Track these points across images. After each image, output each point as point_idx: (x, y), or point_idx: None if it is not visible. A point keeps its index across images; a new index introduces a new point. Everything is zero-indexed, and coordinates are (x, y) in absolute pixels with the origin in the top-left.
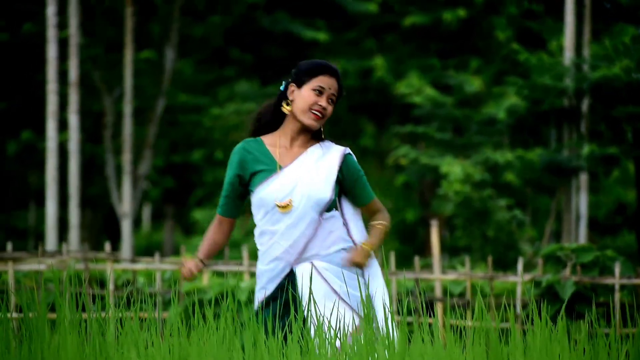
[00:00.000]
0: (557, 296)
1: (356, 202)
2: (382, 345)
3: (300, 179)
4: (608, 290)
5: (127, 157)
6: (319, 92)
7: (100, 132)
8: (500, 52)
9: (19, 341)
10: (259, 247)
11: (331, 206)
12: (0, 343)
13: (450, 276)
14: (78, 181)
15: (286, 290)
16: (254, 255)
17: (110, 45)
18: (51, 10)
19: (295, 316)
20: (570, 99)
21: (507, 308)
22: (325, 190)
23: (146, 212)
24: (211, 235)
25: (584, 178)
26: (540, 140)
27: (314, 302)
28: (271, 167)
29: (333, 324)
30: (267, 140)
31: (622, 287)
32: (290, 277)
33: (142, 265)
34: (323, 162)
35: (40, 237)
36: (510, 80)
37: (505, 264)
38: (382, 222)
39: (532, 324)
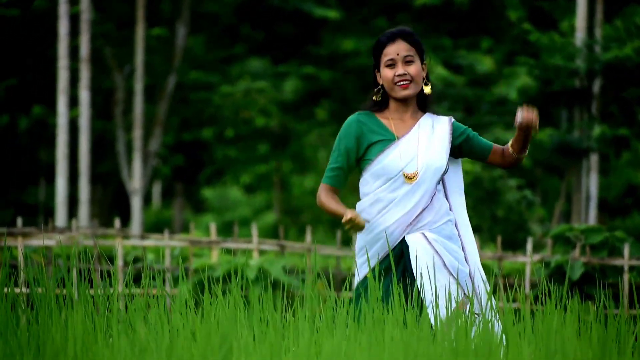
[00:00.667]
0: (566, 277)
1: (484, 154)
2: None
3: (419, 148)
4: (617, 271)
5: (137, 134)
6: (391, 64)
7: (111, 109)
8: (512, 32)
9: (27, 316)
10: (366, 216)
11: (441, 180)
12: (9, 318)
13: None
14: (88, 157)
15: (400, 259)
16: (263, 233)
17: (121, 22)
18: None
19: (409, 286)
20: (581, 80)
21: (517, 289)
22: (443, 158)
23: (156, 189)
24: (332, 197)
25: (594, 159)
26: (551, 121)
27: (427, 273)
28: (389, 137)
29: (442, 295)
30: (379, 115)
31: (631, 268)
32: (402, 246)
33: (151, 241)
34: (435, 132)
35: (50, 213)
36: (521, 60)
37: (514, 245)
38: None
39: (542, 304)
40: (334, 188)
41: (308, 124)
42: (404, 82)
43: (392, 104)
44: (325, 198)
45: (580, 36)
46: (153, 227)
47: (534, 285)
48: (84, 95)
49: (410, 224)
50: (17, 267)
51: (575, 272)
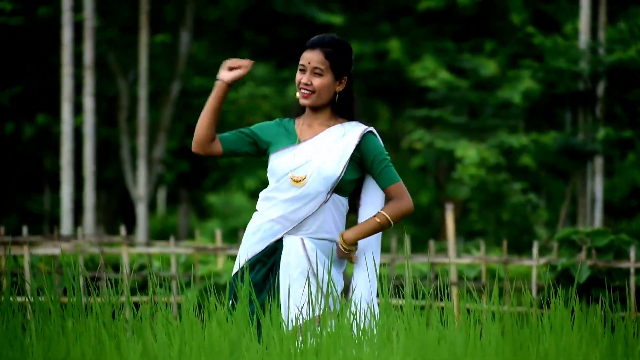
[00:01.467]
0: (572, 280)
1: (378, 184)
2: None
3: (314, 154)
4: (623, 274)
5: (142, 141)
6: (302, 70)
7: (116, 115)
8: (515, 35)
9: (33, 325)
10: (258, 208)
11: (345, 192)
12: (15, 326)
13: (465, 260)
14: (93, 164)
15: (270, 256)
16: None
17: (125, 28)
18: None
19: (271, 288)
20: (585, 83)
21: (523, 292)
22: (336, 167)
23: (161, 195)
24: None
25: (599, 162)
26: (556, 124)
27: (290, 277)
28: (291, 140)
29: (300, 304)
30: (297, 121)
31: (638, 271)
32: (278, 244)
33: (157, 249)
34: (341, 141)
35: (55, 221)
36: (525, 63)
37: (520, 248)
38: (383, 212)
39: (548, 307)
40: (219, 140)
41: None
42: (306, 92)
43: (307, 109)
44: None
45: (583, 39)
46: (158, 233)
47: (540, 289)
48: (88, 102)
49: (293, 227)
50: (22, 276)
51: (581, 275)
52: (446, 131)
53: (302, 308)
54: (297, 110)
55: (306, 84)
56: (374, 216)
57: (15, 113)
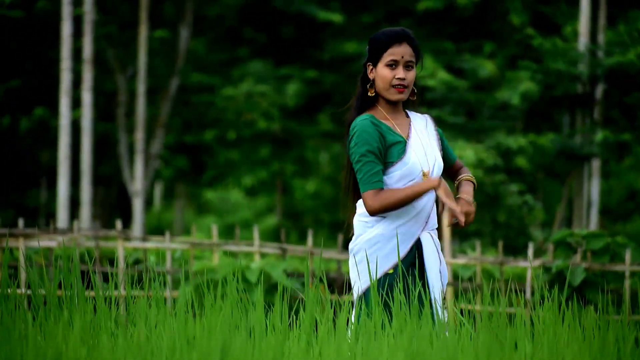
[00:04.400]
0: (567, 282)
1: (449, 158)
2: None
3: (425, 147)
4: (618, 277)
5: (139, 136)
6: (394, 65)
7: (113, 111)
8: (515, 36)
9: (29, 317)
10: (381, 215)
11: None
12: (10, 318)
13: (461, 260)
14: (90, 159)
15: (417, 255)
16: (264, 236)
17: (124, 24)
18: None
19: (426, 285)
20: (584, 85)
21: (517, 293)
22: (440, 156)
23: (158, 191)
24: (391, 190)
25: (596, 164)
26: (553, 126)
27: (438, 273)
28: (401, 138)
29: (440, 296)
30: (377, 115)
31: (633, 274)
32: (418, 244)
33: (152, 244)
34: (426, 130)
35: (51, 215)
36: (524, 64)
37: (515, 250)
38: (467, 174)
39: (542, 309)
40: (381, 190)
41: (310, 127)
42: (401, 87)
43: (383, 104)
44: (386, 194)
45: (583, 41)
46: (154, 229)
47: (534, 291)
48: (87, 97)
49: (425, 222)
50: (17, 268)
51: (576, 278)
52: (444, 131)
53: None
54: (358, 105)
55: (402, 79)
56: (466, 177)
57: (13, 106)
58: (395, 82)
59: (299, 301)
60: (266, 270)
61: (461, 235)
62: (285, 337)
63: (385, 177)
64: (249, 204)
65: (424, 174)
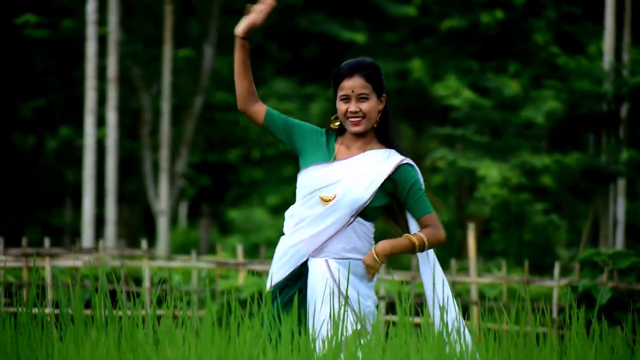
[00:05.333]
0: (593, 301)
1: (412, 214)
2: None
3: (346, 176)
4: None
5: (164, 154)
6: (346, 99)
7: (138, 129)
8: (539, 55)
9: (55, 337)
10: (284, 229)
11: (371, 217)
12: (36, 338)
13: (487, 279)
14: (115, 178)
15: (297, 281)
16: None
17: (149, 42)
18: (91, 7)
19: (299, 309)
20: (609, 104)
21: (544, 313)
22: (364, 192)
23: (182, 209)
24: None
25: (621, 183)
26: (579, 145)
27: (320, 300)
28: (326, 157)
29: (329, 324)
30: (339, 138)
31: None
32: (303, 268)
33: (178, 263)
34: (376, 167)
35: (76, 234)
36: (548, 83)
37: (541, 269)
38: (421, 234)
39: (569, 329)
40: (261, 104)
41: None
42: (356, 119)
43: (347, 132)
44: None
45: (607, 60)
46: (179, 247)
47: (561, 310)
48: (111, 116)
49: (318, 248)
50: (44, 288)
51: (603, 297)
52: (469, 150)
53: (329, 328)
54: (337, 129)
55: (355, 112)
56: (411, 235)
57: (38, 126)
58: (348, 115)
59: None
60: None
61: (487, 254)
62: (311, 355)
63: (297, 181)
64: (273, 223)
65: (322, 198)
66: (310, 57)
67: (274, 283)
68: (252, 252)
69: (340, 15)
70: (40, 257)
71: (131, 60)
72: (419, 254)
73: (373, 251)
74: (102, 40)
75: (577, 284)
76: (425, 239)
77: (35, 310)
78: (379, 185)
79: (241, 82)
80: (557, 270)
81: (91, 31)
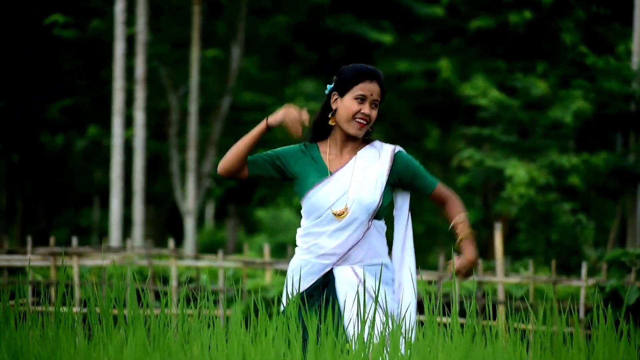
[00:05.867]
0: (621, 301)
1: (423, 193)
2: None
3: (350, 184)
4: None
5: (191, 155)
6: (361, 99)
7: (166, 130)
8: (567, 55)
9: (83, 336)
10: (300, 243)
11: (381, 216)
12: (64, 337)
13: (513, 279)
14: (142, 178)
15: (323, 290)
16: None
17: (176, 43)
18: (119, 8)
19: (333, 317)
20: (637, 104)
21: (571, 312)
22: (375, 194)
23: (209, 209)
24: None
25: None
26: (606, 145)
27: (351, 306)
28: (322, 173)
29: (365, 331)
30: (321, 147)
31: None
32: (329, 277)
33: (205, 262)
34: (373, 166)
35: (103, 234)
36: (576, 83)
37: (568, 269)
38: (459, 218)
39: (597, 329)
40: (247, 163)
41: None
42: (363, 122)
43: (337, 136)
44: (232, 149)
45: (636, 60)
46: (206, 247)
47: (588, 310)
48: (139, 116)
49: (341, 257)
50: (72, 287)
51: (630, 297)
52: (496, 150)
53: (366, 334)
54: (316, 134)
55: (366, 115)
56: (460, 224)
57: (66, 126)
58: (359, 116)
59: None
60: None
61: (514, 254)
62: (338, 354)
63: (302, 209)
64: (300, 223)
65: (334, 214)
66: (337, 57)
67: (302, 290)
68: (279, 251)
69: (367, 16)
70: (68, 256)
71: (159, 60)
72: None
73: (466, 262)
74: (130, 41)
75: (604, 284)
76: (463, 215)
77: (63, 309)
78: (384, 184)
79: (239, 158)
80: (584, 270)
81: (119, 31)
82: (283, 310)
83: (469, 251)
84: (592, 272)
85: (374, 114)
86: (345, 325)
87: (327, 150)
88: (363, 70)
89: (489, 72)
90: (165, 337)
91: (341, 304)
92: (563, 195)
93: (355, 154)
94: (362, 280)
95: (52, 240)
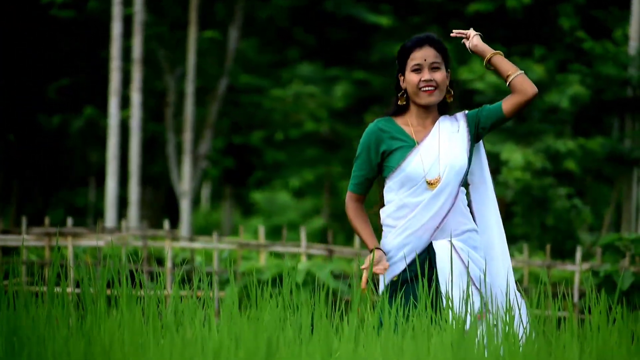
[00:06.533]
0: (615, 286)
1: (499, 112)
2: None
3: (440, 151)
4: None
5: (187, 137)
6: (418, 69)
7: (162, 111)
8: (565, 40)
9: (77, 316)
10: (392, 222)
11: (464, 181)
12: (59, 317)
13: None
14: (139, 159)
15: (426, 264)
16: (311, 237)
17: (174, 24)
18: None
19: (435, 291)
20: (634, 89)
21: (565, 297)
22: (463, 157)
23: (205, 191)
24: (361, 215)
25: None
26: (603, 130)
27: (452, 281)
28: (409, 143)
29: (462, 305)
30: (399, 120)
31: None
32: (429, 252)
33: (200, 244)
34: (456, 132)
35: (99, 214)
36: (574, 68)
37: (563, 253)
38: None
39: (590, 313)
40: (360, 196)
41: (358, 129)
42: (430, 88)
43: (414, 109)
44: (354, 214)
45: (633, 45)
46: (202, 229)
47: (582, 294)
48: (136, 97)
49: (437, 227)
50: (66, 267)
51: (624, 282)
52: (492, 134)
53: (467, 310)
54: (393, 110)
55: (429, 80)
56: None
57: (63, 106)
58: (422, 84)
59: (346, 303)
60: (313, 272)
61: (509, 238)
62: (333, 336)
63: (389, 182)
64: (296, 205)
65: (428, 182)
66: (335, 40)
67: (399, 271)
68: (274, 234)
69: None
70: (62, 236)
71: (156, 41)
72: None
73: (480, 37)
74: (127, 21)
75: (598, 268)
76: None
77: (57, 290)
78: (469, 145)
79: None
80: (578, 254)
81: (117, 12)
82: (389, 297)
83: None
84: (586, 257)
85: (437, 76)
86: (449, 304)
87: (408, 123)
88: (411, 41)
89: None
90: (159, 318)
91: (441, 281)
92: (559, 179)
93: (437, 123)
94: (461, 257)
95: (46, 220)
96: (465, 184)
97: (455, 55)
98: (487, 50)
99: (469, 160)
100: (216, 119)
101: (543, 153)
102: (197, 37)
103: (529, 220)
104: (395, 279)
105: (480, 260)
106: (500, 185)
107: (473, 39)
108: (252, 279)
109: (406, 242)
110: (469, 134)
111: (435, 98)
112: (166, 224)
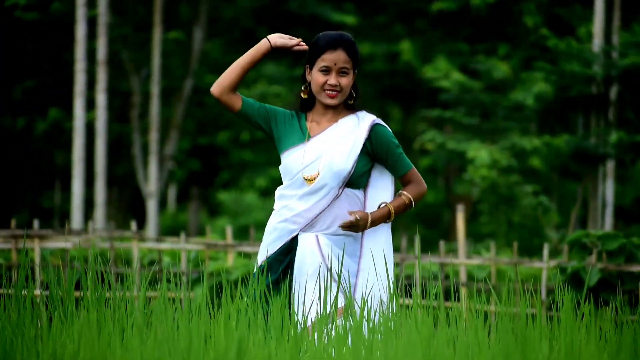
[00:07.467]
0: (582, 283)
1: (393, 173)
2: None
3: (324, 150)
4: (634, 278)
5: (153, 137)
6: (326, 71)
7: (128, 112)
8: (529, 38)
9: (45, 317)
10: (274, 207)
11: (358, 185)
12: (25, 319)
13: (475, 261)
14: (104, 160)
15: (288, 253)
16: None
17: (139, 25)
18: None
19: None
20: (598, 86)
21: (533, 294)
22: (346, 161)
23: (172, 192)
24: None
25: (610, 165)
26: (568, 127)
27: (306, 275)
28: (301, 137)
29: (315, 301)
30: (308, 116)
31: None
32: (294, 243)
33: (167, 245)
34: (351, 134)
35: (65, 216)
36: (538, 66)
37: (530, 250)
38: (404, 192)
39: (558, 310)
40: (239, 96)
41: None
42: (333, 92)
43: (318, 105)
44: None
45: (597, 42)
46: (169, 230)
47: (550, 291)
48: (101, 98)
49: (309, 223)
50: (33, 269)
51: (591, 278)
52: (458, 132)
53: (314, 305)
54: (302, 105)
55: (334, 85)
56: (399, 195)
57: (28, 108)
58: (327, 87)
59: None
60: None
61: (476, 236)
62: (302, 337)
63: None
64: (262, 205)
65: (305, 178)
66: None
67: (267, 255)
68: (242, 234)
69: None
70: (29, 238)
71: (121, 43)
72: (385, 226)
73: (369, 217)
74: (92, 23)
75: (566, 265)
76: (411, 197)
77: (24, 292)
78: (358, 151)
79: (237, 75)
80: (546, 251)
81: (81, 13)
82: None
83: (374, 212)
84: (553, 254)
85: (344, 81)
86: (297, 296)
87: (310, 118)
88: (326, 40)
89: (451, 54)
90: (127, 319)
91: (296, 272)
92: (525, 177)
93: (336, 121)
94: (322, 251)
95: (13, 222)
96: (364, 187)
97: (419, 53)
98: (384, 213)
99: (356, 165)
100: (182, 119)
101: (509, 151)
102: (162, 38)
103: (496, 218)
104: (264, 264)
105: (350, 264)
106: (466, 183)
107: (364, 224)
108: (222, 279)
109: (277, 227)
110: (363, 144)
111: (336, 101)
112: (133, 225)
